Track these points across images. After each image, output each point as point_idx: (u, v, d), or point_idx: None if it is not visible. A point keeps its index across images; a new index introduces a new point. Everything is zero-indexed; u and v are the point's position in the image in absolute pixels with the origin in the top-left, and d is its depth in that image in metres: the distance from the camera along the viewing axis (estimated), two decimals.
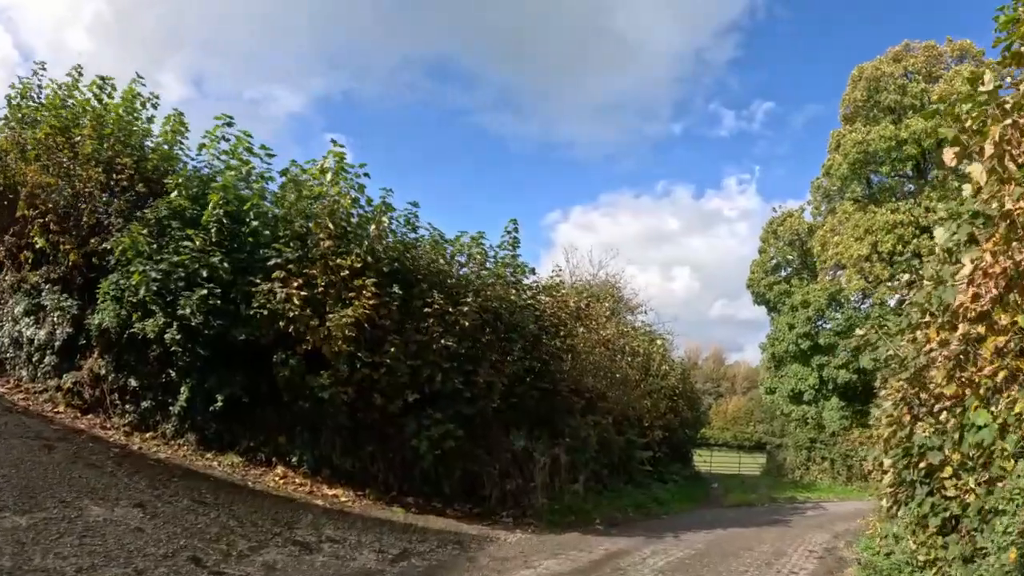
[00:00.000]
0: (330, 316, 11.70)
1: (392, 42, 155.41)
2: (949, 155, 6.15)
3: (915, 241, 33.28)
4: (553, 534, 12.46)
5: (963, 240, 6.91)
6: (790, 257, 41.83)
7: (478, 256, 14.97)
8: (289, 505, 10.67)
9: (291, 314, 11.56)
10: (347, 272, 12.08)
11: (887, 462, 8.78)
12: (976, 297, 6.15)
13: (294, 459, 12.36)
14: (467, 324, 12.65)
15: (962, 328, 5.95)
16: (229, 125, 13.91)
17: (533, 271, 16.08)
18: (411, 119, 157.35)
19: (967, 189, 7.45)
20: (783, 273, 41.79)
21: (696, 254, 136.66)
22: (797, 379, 35.58)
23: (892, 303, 35.15)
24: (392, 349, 11.99)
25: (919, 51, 37.87)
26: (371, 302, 11.80)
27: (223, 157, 13.67)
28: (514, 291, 14.84)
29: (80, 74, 14.90)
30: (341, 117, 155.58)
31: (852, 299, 35.65)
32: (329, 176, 13.19)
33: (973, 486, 6.76)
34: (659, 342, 25.64)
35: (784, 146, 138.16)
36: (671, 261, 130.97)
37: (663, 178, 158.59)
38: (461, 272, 14.19)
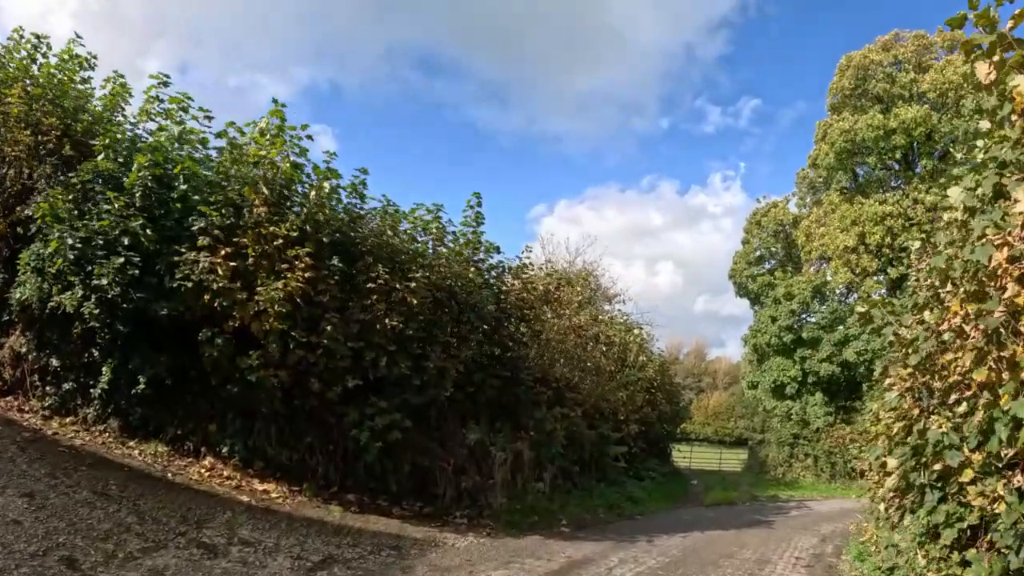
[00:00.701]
0: (259, 289, 10.39)
1: (377, 32, 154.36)
2: (983, 69, 4.88)
3: (904, 234, 32.25)
4: (511, 537, 11.15)
5: (988, 194, 5.66)
6: (774, 249, 40.71)
7: (435, 231, 13.62)
8: (208, 501, 9.55)
9: (216, 286, 10.36)
10: (281, 241, 10.82)
11: (892, 463, 7.50)
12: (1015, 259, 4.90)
13: (224, 449, 11.23)
14: (415, 302, 11.31)
15: (1010, 289, 4.64)
16: (165, 85, 12.88)
17: (498, 250, 14.74)
18: (396, 110, 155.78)
19: (980, 143, 6.54)
20: (767, 265, 40.73)
21: (680, 249, 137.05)
22: (779, 371, 34.52)
23: (877, 297, 34.48)
24: (329, 328, 10.64)
25: (909, 40, 36.82)
26: (306, 274, 10.59)
27: (158, 119, 12.65)
28: (473, 269, 13.48)
29: (21, 36, 13.83)
30: (326, 107, 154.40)
31: (837, 292, 34.58)
32: (268, 139, 11.93)
33: (1002, 492, 5.50)
34: (636, 331, 24.33)
35: (770, 143, 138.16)
36: (655, 256, 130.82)
37: (649, 173, 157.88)
38: (415, 247, 12.76)
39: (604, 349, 20.49)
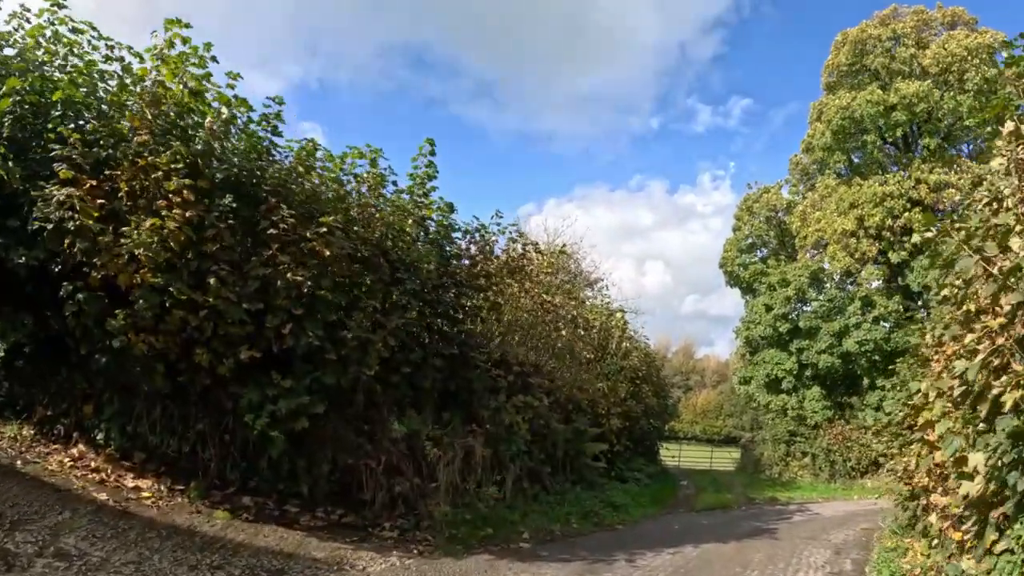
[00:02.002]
0: (125, 230, 8.05)
1: (369, 29, 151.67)
2: None
3: (906, 215, 30.08)
4: (450, 557, 8.74)
5: None
6: (766, 237, 38.40)
7: (369, 177, 11.21)
8: (50, 497, 7.62)
9: (72, 225, 8.11)
10: (161, 174, 8.42)
11: (977, 460, 5.11)
12: None
13: (100, 436, 9.42)
14: (329, 254, 8.86)
15: None
16: (59, 7, 10.37)
17: (452, 208, 12.32)
18: (387, 108, 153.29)
19: None
20: (759, 253, 38.44)
21: (669, 249, 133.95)
22: (774, 364, 32.26)
23: (876, 286, 32.23)
24: (213, 282, 8.22)
25: (908, 16, 34.69)
26: (187, 213, 8.12)
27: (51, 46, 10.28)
28: (412, 221, 11.05)
29: None
30: (316, 104, 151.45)
31: (835, 278, 32.25)
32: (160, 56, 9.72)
33: None
34: (619, 315, 21.87)
35: (761, 142, 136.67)
36: (644, 255, 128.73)
37: (639, 172, 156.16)
38: (338, 192, 10.30)
39: (582, 333, 18.12)
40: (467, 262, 12.49)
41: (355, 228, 10.11)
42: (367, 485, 9.94)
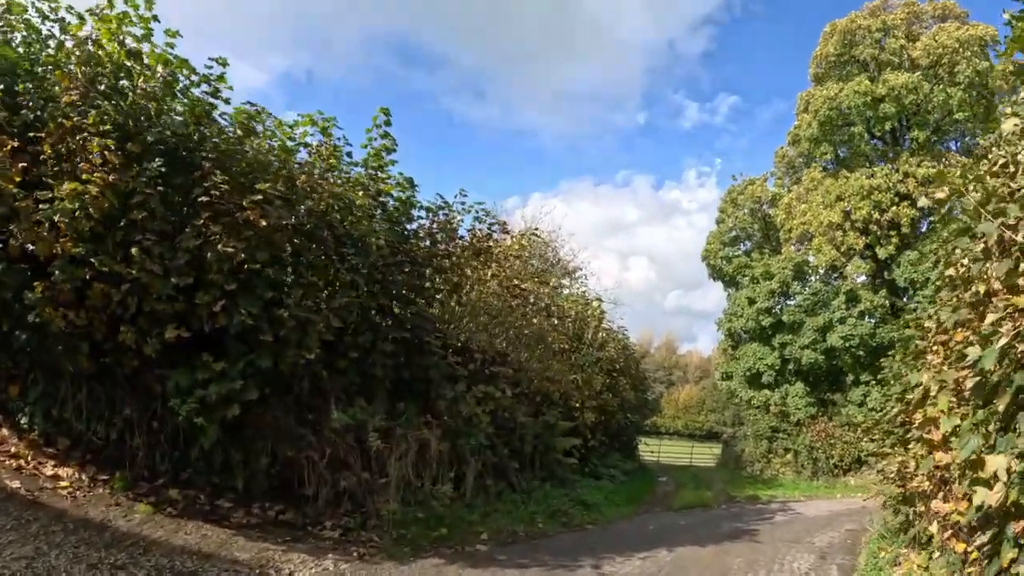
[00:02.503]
0: (40, 193, 7.17)
1: (355, 21, 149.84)
2: None
3: (893, 209, 29.42)
4: (394, 562, 7.86)
5: None
6: (750, 230, 37.64)
7: (324, 151, 10.28)
8: None
9: None
10: (86, 134, 7.53)
11: (998, 464, 4.26)
12: None
13: (24, 420, 8.72)
14: (265, 224, 7.93)
15: None
16: None
17: (412, 183, 11.41)
18: (372, 100, 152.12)
19: None
20: (743, 247, 37.65)
21: (654, 245, 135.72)
22: (756, 359, 31.56)
23: (862, 280, 31.55)
24: (136, 252, 7.33)
25: (898, 8, 34.05)
26: (111, 178, 7.29)
27: None
28: (363, 194, 10.12)
29: None
30: (302, 95, 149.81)
31: (820, 271, 31.52)
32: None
33: None
34: (596, 303, 20.95)
35: (747, 140, 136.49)
36: (629, 251, 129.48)
37: (624, 168, 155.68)
38: (282, 160, 9.34)
39: (556, 322, 17.24)
40: (428, 242, 11.57)
41: (298, 198, 9.18)
42: (309, 480, 9.05)
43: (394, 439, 9.89)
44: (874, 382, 28.93)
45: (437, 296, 11.60)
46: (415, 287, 10.64)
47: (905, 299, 30.24)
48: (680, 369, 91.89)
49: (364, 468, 9.35)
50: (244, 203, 7.93)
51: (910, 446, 8.12)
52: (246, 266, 8.08)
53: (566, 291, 20.22)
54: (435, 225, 11.98)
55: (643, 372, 30.19)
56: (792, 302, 31.64)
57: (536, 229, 14.83)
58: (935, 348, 7.41)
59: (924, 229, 31.86)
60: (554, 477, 14.27)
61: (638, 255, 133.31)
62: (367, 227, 9.72)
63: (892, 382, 10.64)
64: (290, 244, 8.82)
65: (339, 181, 9.85)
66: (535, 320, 15.20)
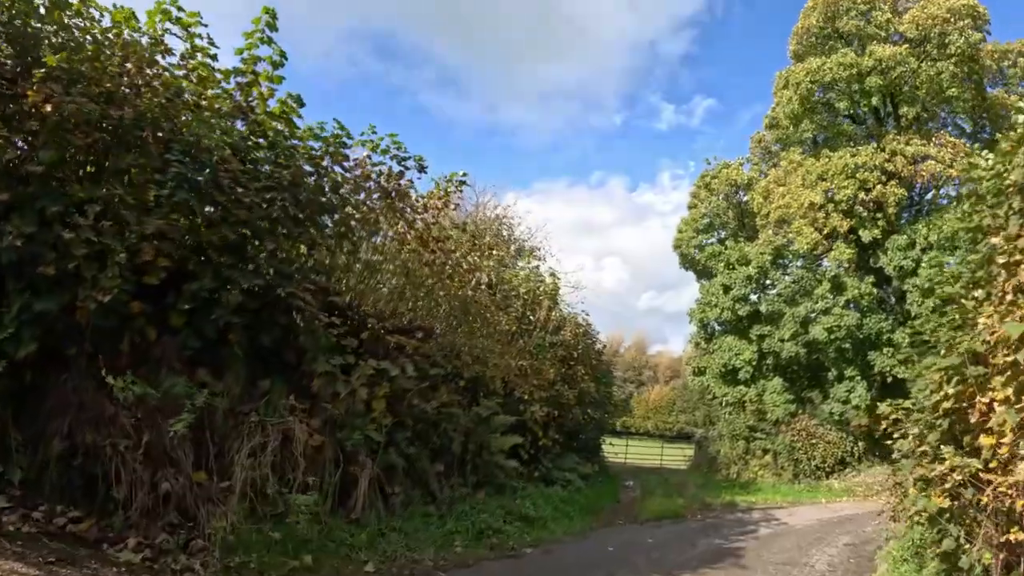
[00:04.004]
0: None
1: (334, 13, 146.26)
2: None
3: (879, 188, 27.00)
4: None
5: None
6: (725, 217, 35.03)
7: (187, 52, 7.48)
8: None
9: None
10: None
11: None
12: None
13: None
14: (51, 111, 5.36)
15: None
16: None
17: (299, 102, 8.59)
18: (351, 95, 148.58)
19: None
20: (717, 235, 35.02)
21: (627, 246, 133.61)
22: (732, 353, 29.01)
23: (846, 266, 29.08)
24: None
25: None
26: None
27: None
28: (210, 94, 7.26)
29: None
30: (279, 88, 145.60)
31: (802, 255, 28.83)
32: None
33: None
34: (549, 280, 17.95)
35: (723, 143, 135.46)
36: (602, 252, 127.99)
37: (600, 169, 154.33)
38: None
39: (499, 298, 14.34)
40: (315, 175, 8.70)
41: (114, 87, 6.28)
42: (119, 477, 6.14)
43: (245, 428, 6.98)
44: (860, 377, 26.68)
45: (316, 240, 8.69)
46: (286, 221, 7.75)
47: (890, 288, 27.97)
48: (651, 369, 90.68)
49: (200, 466, 6.44)
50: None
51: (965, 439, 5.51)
52: (25, 169, 5.22)
53: (519, 269, 17.26)
54: (328, 158, 9.13)
55: (607, 363, 27.35)
56: (771, 291, 29.11)
57: (464, 174, 11.87)
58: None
59: (908, 217, 29.75)
60: (491, 484, 11.42)
61: (611, 256, 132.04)
62: (207, 131, 6.81)
63: (937, 351, 7.88)
64: (93, 144, 5.93)
65: (179, 73, 6.94)
66: (471, 292, 12.30)
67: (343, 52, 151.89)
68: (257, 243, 7.54)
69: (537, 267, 18.57)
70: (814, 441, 25.70)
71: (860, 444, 26.09)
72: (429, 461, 10.09)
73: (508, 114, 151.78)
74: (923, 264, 26.06)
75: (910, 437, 7.83)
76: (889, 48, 28.32)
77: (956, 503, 6.82)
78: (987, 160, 8.16)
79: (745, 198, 33.31)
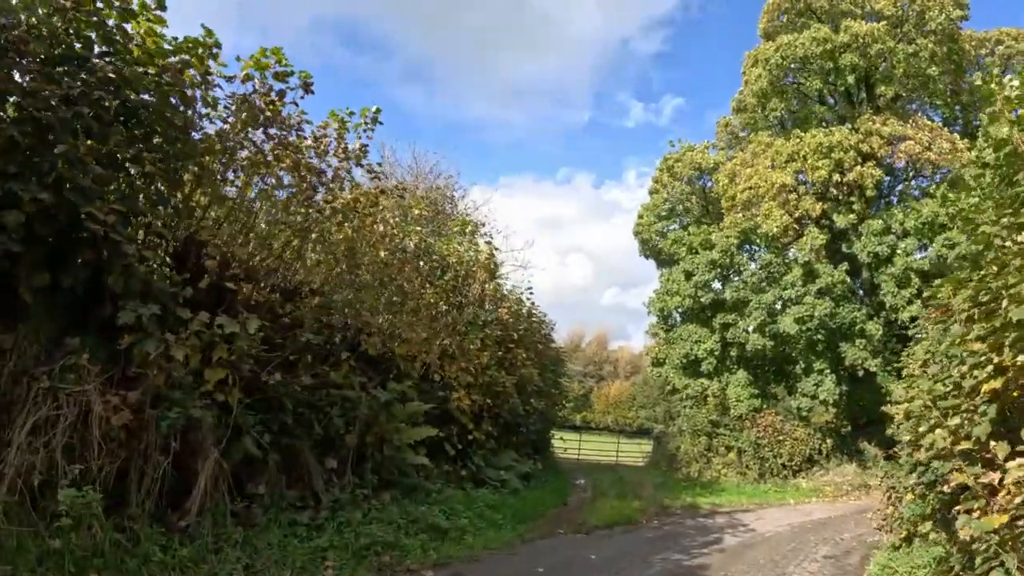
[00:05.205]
0: None
1: (303, 3, 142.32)
2: None
3: (857, 169, 25.23)
4: None
5: None
6: (688, 203, 33.03)
7: None
8: None
9: None
10: None
11: None
12: None
13: None
14: None
15: None
16: None
17: (162, 5, 6.34)
18: (316, 86, 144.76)
19: None
20: (679, 223, 32.99)
21: (592, 242, 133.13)
22: (693, 342, 27.09)
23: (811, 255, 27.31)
24: None
25: None
26: None
27: None
28: None
29: None
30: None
31: (770, 240, 26.86)
32: None
33: None
34: (486, 248, 15.48)
35: (690, 140, 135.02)
36: (567, 248, 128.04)
37: (566, 165, 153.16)
38: None
39: (424, 268, 12.02)
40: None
41: None
42: None
43: (31, 397, 4.68)
44: (828, 370, 24.94)
45: (156, 162, 6.39)
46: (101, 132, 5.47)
47: (863, 277, 26.32)
48: (611, 364, 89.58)
49: None
50: None
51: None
52: None
53: (458, 245, 14.87)
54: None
55: (559, 349, 25.10)
56: (737, 279, 27.22)
57: (378, 110, 9.47)
58: None
59: (885, 202, 28.22)
60: (399, 485, 9.17)
61: (576, 252, 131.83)
62: None
63: (960, 324, 5.85)
64: None
65: None
66: (385, 255, 10.00)
67: (309, 40, 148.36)
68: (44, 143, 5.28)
69: (472, 230, 16.21)
70: (781, 438, 23.91)
71: (828, 441, 24.48)
72: (315, 455, 7.85)
73: (477, 108, 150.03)
74: (898, 252, 24.53)
75: (938, 433, 5.74)
76: (866, 24, 26.69)
77: (984, 512, 4.80)
78: None
79: (710, 183, 31.30)
